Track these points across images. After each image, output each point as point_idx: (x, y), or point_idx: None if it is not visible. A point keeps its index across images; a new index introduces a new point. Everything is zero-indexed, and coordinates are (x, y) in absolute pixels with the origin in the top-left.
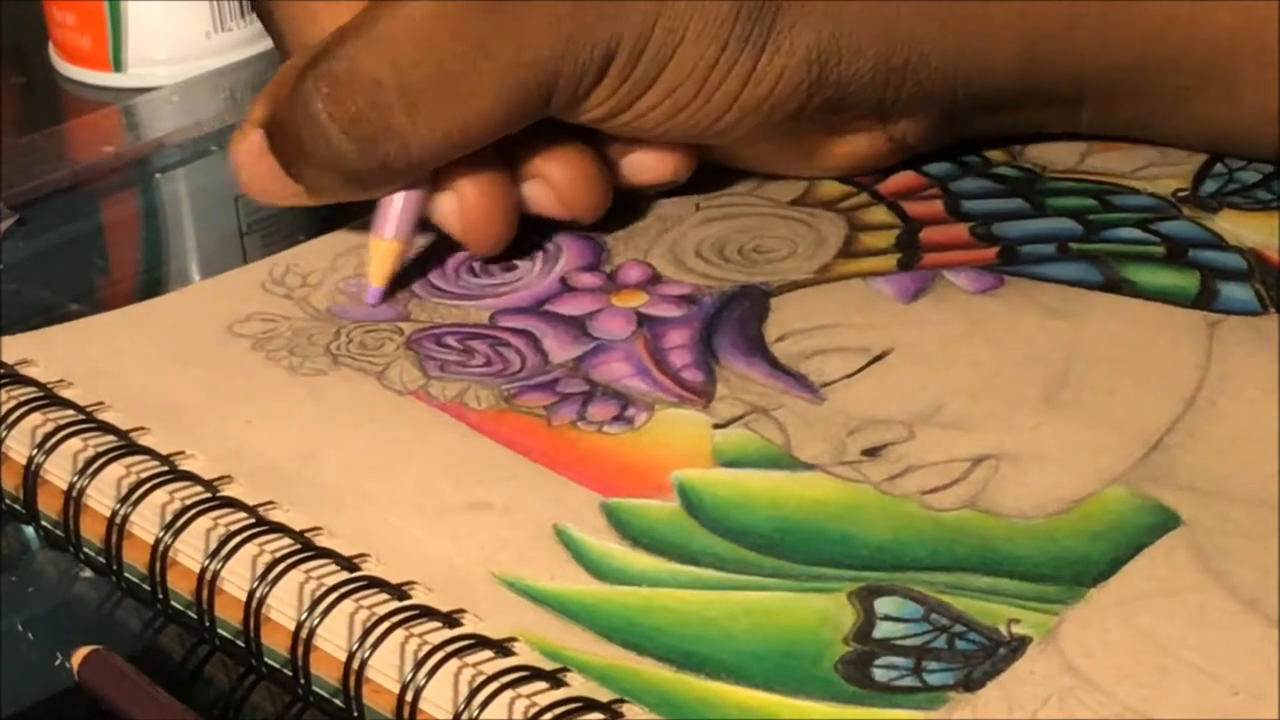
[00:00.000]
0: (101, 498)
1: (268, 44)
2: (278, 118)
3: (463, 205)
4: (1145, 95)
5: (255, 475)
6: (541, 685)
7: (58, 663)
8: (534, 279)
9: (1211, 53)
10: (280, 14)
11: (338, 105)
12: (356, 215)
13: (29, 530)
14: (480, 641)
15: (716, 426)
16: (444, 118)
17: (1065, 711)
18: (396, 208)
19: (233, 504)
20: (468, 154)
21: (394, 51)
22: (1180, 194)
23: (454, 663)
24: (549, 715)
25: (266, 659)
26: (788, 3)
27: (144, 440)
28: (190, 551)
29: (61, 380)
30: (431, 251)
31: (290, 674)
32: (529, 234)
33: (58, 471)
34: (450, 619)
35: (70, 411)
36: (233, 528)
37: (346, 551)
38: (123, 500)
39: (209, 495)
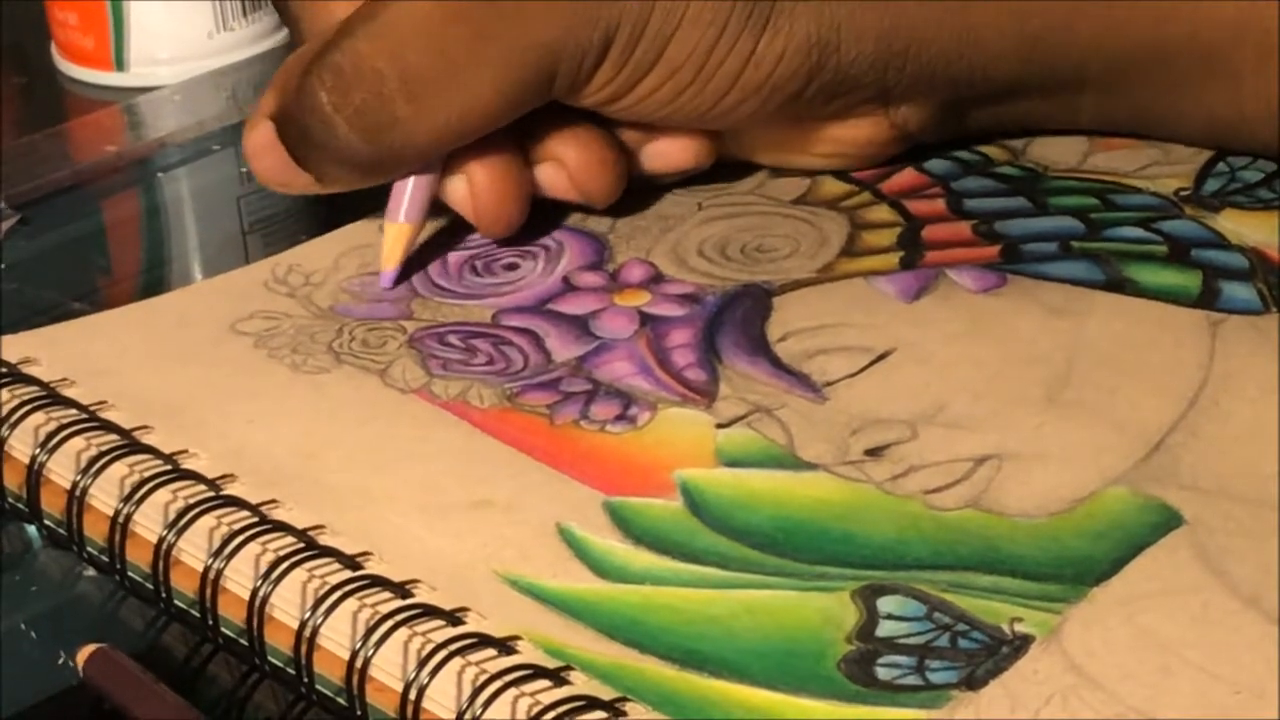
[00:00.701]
0: (104, 497)
1: (270, 44)
2: (285, 109)
3: (474, 188)
4: (1147, 84)
5: (258, 474)
6: (544, 684)
7: (60, 661)
8: (536, 278)
9: (1213, 42)
10: (296, 6)
11: (341, 96)
12: (358, 215)
13: (32, 529)
14: (483, 640)
15: (719, 426)
16: (447, 106)
17: (1068, 710)
18: (408, 192)
19: (235, 503)
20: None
21: (395, 41)
22: (1182, 193)
23: (457, 661)
24: (552, 714)
25: (270, 658)
26: None
27: (147, 439)
28: (193, 550)
29: (64, 379)
30: (435, 250)
31: (293, 673)
32: (531, 230)
33: (61, 470)
34: (453, 617)
35: (73, 410)
36: (235, 526)
37: (349, 550)
38: (125, 499)
39: (212, 494)
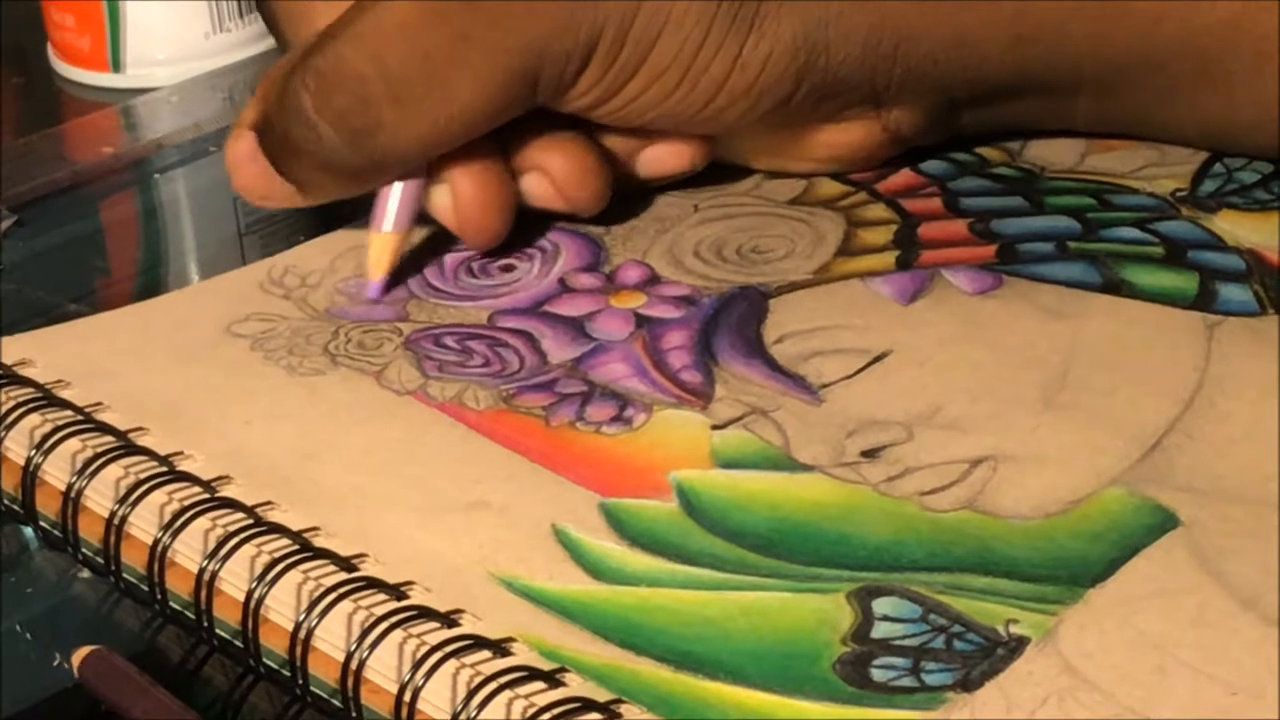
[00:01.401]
0: (100, 498)
1: (266, 45)
2: (268, 117)
3: (457, 199)
4: (1142, 87)
5: (253, 475)
6: (539, 685)
7: (56, 663)
8: (532, 280)
9: (1208, 45)
10: (280, 14)
11: (324, 100)
12: (354, 216)
13: (28, 531)
14: (478, 642)
15: (715, 428)
16: (430, 109)
17: (1063, 712)
18: (394, 200)
19: (231, 504)
20: (461, 146)
21: (378, 45)
22: (1179, 194)
23: (452, 663)
24: (547, 715)
25: (265, 659)
26: None
27: (142, 440)
28: (189, 552)
29: (60, 381)
30: (430, 252)
31: (289, 674)
32: (527, 232)
33: (56, 472)
34: (448, 619)
35: (69, 412)
36: (231, 528)
37: (345, 552)
38: (121, 501)
39: (207, 496)
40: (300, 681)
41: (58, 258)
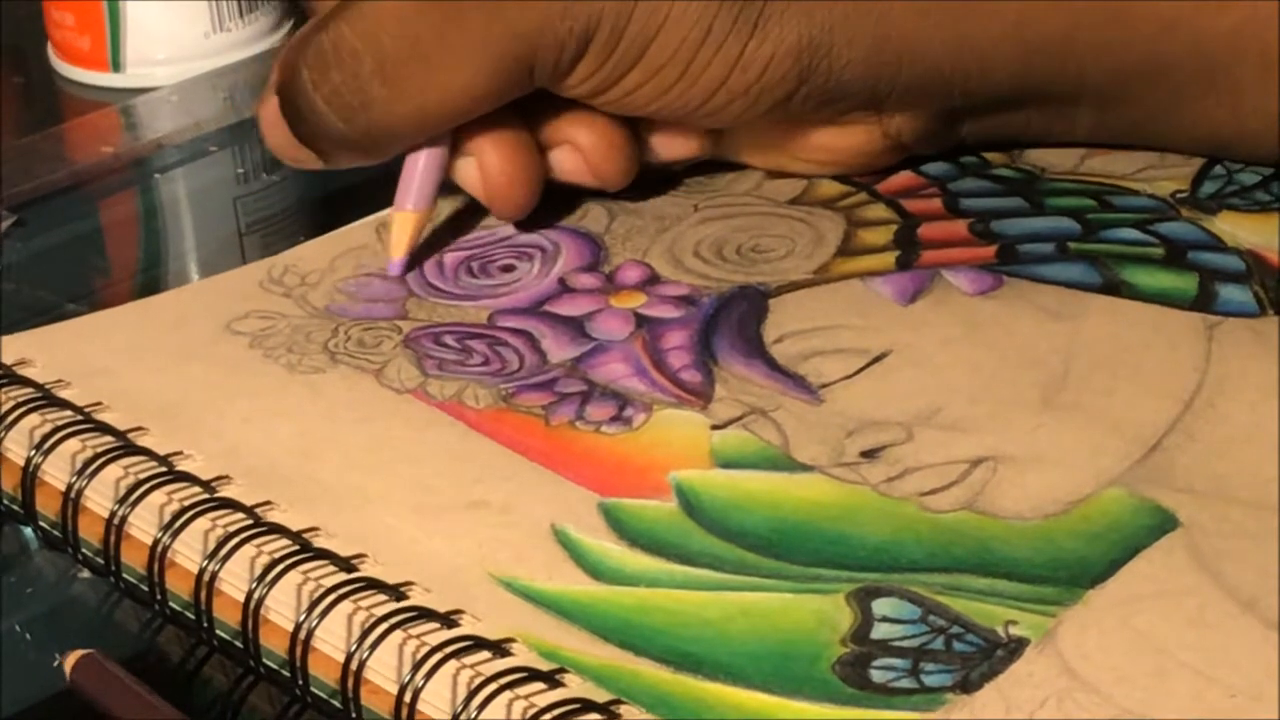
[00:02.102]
0: (100, 499)
1: (267, 44)
2: (282, 84)
3: (485, 171)
4: (1146, 97)
5: (253, 474)
6: (539, 686)
7: (56, 663)
8: (532, 280)
9: (1212, 55)
10: None
11: (321, 75)
12: (355, 217)
13: (27, 531)
14: (478, 642)
15: (715, 427)
16: (420, 89)
17: (1062, 713)
18: (415, 178)
19: (231, 505)
20: (488, 119)
21: (372, 24)
22: (1179, 195)
23: (452, 664)
24: (547, 716)
25: (265, 660)
26: None
27: (142, 440)
28: (188, 552)
29: (59, 380)
30: (431, 250)
31: (288, 675)
32: (533, 225)
33: (56, 472)
34: (448, 620)
35: (68, 412)
36: (231, 529)
37: (344, 552)
38: (121, 501)
39: (207, 496)
40: (300, 682)
41: (58, 258)
